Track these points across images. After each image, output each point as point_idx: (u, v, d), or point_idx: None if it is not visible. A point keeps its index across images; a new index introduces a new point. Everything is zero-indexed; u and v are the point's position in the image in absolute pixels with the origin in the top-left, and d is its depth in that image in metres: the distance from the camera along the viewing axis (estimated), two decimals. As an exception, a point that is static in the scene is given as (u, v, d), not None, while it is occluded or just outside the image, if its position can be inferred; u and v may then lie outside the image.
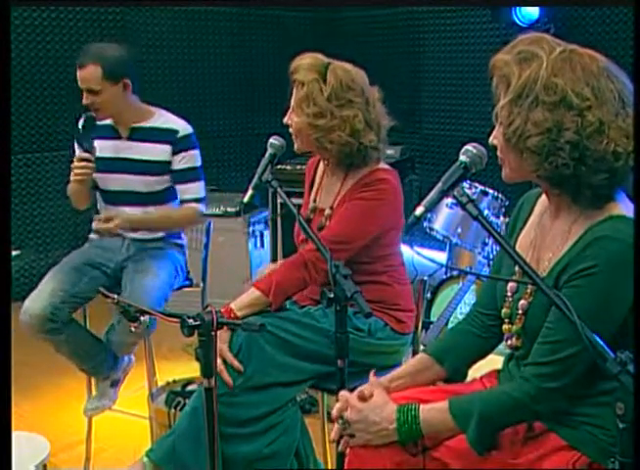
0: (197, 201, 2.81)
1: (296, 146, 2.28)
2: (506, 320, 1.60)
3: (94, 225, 2.67)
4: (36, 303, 2.54)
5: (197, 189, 2.81)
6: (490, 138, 1.50)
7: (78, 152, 2.69)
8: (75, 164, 2.63)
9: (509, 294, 1.59)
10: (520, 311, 1.54)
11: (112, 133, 2.78)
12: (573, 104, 1.37)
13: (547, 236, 1.54)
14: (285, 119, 2.25)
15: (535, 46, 1.42)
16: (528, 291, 1.53)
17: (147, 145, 2.76)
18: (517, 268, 1.56)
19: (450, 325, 3.02)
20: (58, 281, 2.63)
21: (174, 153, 2.75)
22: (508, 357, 1.72)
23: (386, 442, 1.54)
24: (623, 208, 1.44)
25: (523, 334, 1.55)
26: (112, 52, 2.66)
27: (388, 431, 1.52)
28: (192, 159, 2.79)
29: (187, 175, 2.79)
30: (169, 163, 2.77)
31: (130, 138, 2.77)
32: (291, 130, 2.26)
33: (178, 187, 2.81)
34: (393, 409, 1.53)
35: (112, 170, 2.75)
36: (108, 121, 2.78)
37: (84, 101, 2.65)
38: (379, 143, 2.23)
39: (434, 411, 1.51)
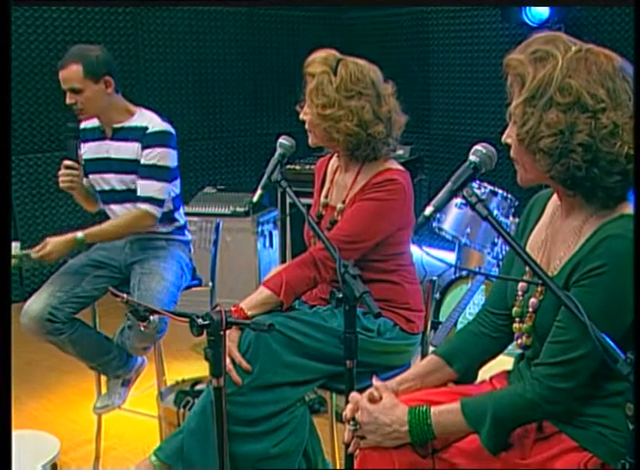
0: (149, 201, 2.69)
1: (309, 140, 2.30)
2: (517, 319, 1.59)
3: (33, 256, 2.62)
4: (34, 305, 2.56)
5: (152, 188, 2.69)
6: (504, 136, 1.49)
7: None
8: (61, 171, 2.67)
9: (520, 293, 1.59)
10: (530, 310, 1.54)
11: (98, 134, 2.82)
12: (588, 106, 1.36)
13: (558, 235, 1.54)
14: (301, 115, 2.27)
15: (551, 45, 1.41)
16: (539, 289, 1.52)
17: (123, 144, 2.77)
18: (527, 268, 1.56)
19: (459, 325, 3.02)
20: (57, 283, 2.66)
21: (142, 149, 2.72)
22: (518, 358, 1.71)
23: (397, 444, 1.53)
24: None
25: (532, 332, 1.55)
26: (92, 51, 2.69)
27: (399, 433, 1.52)
28: (157, 156, 2.70)
29: (148, 172, 2.70)
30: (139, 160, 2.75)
31: (112, 138, 2.79)
32: (306, 126, 2.27)
33: (137, 182, 2.72)
34: (404, 411, 1.53)
35: (99, 171, 2.79)
36: (96, 123, 2.81)
37: (67, 100, 2.69)
38: (388, 137, 2.23)
39: (445, 413, 1.50)
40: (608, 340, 1.23)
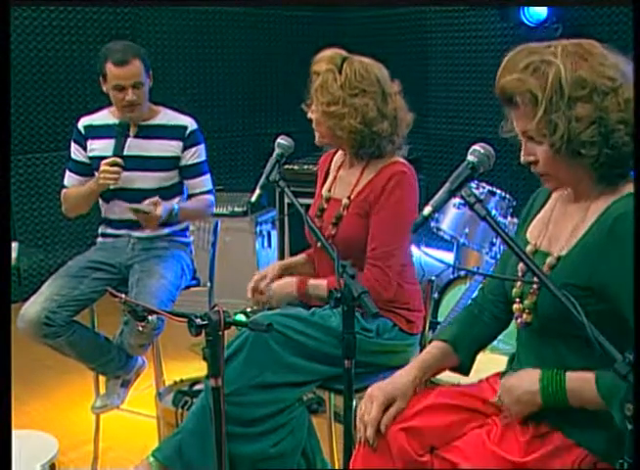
0: (208, 193, 2.92)
1: (316, 139, 2.31)
2: (516, 300, 1.60)
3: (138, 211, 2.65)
4: (31, 308, 2.54)
5: (206, 182, 2.92)
6: (524, 156, 1.50)
7: (106, 157, 2.68)
8: (107, 168, 2.63)
9: (520, 274, 1.59)
10: (534, 286, 1.54)
11: (117, 131, 2.77)
12: (606, 88, 1.40)
13: (563, 216, 1.56)
14: (308, 114, 2.29)
15: (536, 55, 1.43)
16: (544, 268, 1.52)
17: (157, 142, 2.79)
18: (526, 253, 1.57)
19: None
20: (55, 286, 2.64)
21: (185, 148, 2.82)
22: (511, 359, 1.72)
23: (530, 410, 1.50)
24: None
25: (533, 309, 1.55)
26: (137, 45, 2.75)
27: (530, 394, 1.49)
28: (200, 153, 2.88)
29: (197, 170, 2.88)
30: (179, 158, 2.82)
31: (138, 136, 2.79)
32: (313, 125, 2.28)
33: (188, 182, 2.89)
34: (537, 372, 1.50)
35: (125, 169, 2.72)
36: (108, 120, 2.81)
37: (129, 97, 2.67)
38: (394, 135, 2.23)
39: (580, 381, 1.46)
40: (606, 341, 1.24)
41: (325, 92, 2.18)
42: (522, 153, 1.50)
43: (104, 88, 2.72)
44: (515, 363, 1.67)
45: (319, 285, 2.22)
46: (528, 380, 1.50)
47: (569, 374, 1.47)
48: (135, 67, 2.65)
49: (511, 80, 1.44)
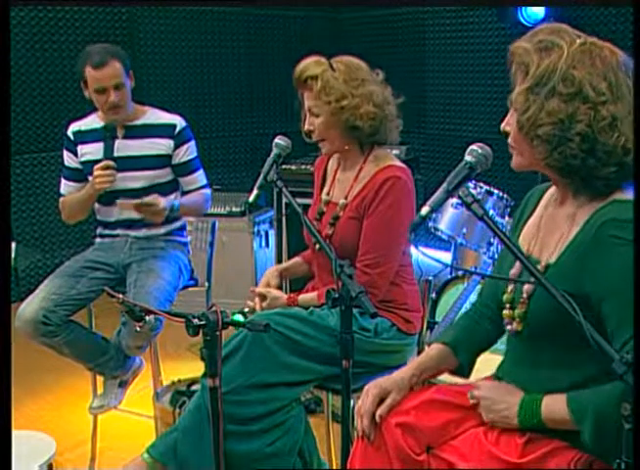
0: (203, 187, 2.93)
1: (324, 150, 2.31)
2: (507, 305, 1.60)
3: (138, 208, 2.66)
4: (28, 308, 2.55)
5: (201, 177, 2.93)
6: (503, 124, 1.52)
7: (100, 160, 2.69)
8: (100, 172, 2.64)
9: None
10: (524, 295, 1.54)
11: (105, 134, 2.78)
12: (589, 97, 1.39)
13: (552, 223, 1.55)
14: (305, 127, 2.28)
15: (556, 36, 1.43)
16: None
17: (146, 141, 2.79)
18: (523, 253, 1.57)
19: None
20: (53, 285, 2.64)
21: (176, 146, 2.82)
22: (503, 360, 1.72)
23: (505, 424, 1.52)
24: (628, 193, 1.45)
25: (524, 318, 1.55)
26: (116, 47, 2.74)
27: (510, 412, 1.50)
28: (192, 150, 2.89)
29: (190, 167, 2.89)
30: (170, 156, 2.82)
31: (126, 136, 2.79)
32: (314, 137, 2.28)
33: (183, 179, 2.89)
34: (520, 394, 1.52)
35: (116, 170, 2.73)
36: (96, 124, 2.81)
37: (112, 99, 2.66)
38: (397, 117, 2.29)
39: (554, 406, 1.46)
40: (604, 341, 1.24)
41: (331, 90, 2.19)
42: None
43: (86, 94, 2.71)
44: (504, 367, 1.67)
45: (311, 298, 2.27)
46: (509, 401, 1.51)
47: (546, 397, 1.47)
48: (114, 68, 2.64)
49: (520, 47, 1.46)
